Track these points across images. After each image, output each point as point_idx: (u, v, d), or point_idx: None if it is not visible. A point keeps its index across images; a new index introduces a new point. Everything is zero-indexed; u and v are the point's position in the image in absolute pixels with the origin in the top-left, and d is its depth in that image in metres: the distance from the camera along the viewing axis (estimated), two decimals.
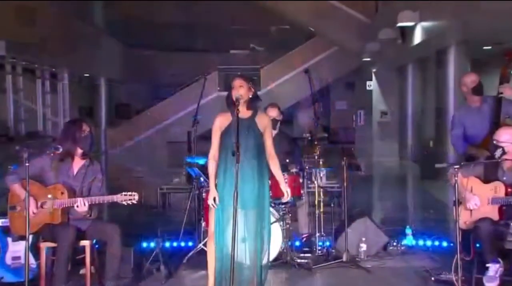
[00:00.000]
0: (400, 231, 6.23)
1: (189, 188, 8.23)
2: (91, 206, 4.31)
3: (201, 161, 5.64)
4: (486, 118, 5.21)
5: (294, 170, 5.56)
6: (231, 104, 4.15)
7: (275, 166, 4.15)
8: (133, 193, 4.26)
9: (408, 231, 6.04)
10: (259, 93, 4.31)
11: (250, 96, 4.15)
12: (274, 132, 5.88)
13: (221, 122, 4.19)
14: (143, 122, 22.53)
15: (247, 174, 4.03)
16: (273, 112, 5.60)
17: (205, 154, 5.63)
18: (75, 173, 4.43)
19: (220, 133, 4.17)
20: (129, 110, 25.10)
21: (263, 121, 4.17)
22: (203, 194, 5.57)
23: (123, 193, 4.25)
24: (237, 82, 4.16)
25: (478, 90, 5.31)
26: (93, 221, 4.45)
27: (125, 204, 4.25)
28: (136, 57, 23.30)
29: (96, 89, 22.52)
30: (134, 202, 4.27)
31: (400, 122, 17.65)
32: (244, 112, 4.15)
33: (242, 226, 3.98)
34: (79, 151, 4.46)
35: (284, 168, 5.57)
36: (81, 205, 4.23)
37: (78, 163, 4.46)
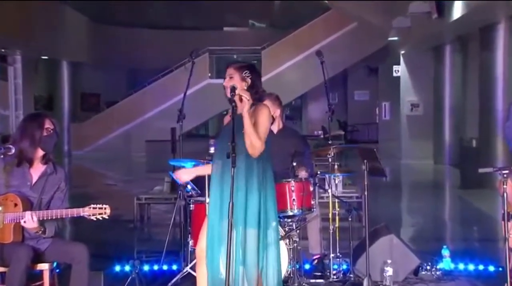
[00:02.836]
0: (435, 251, 6.24)
1: (173, 198, 8.31)
2: (43, 222, 4.30)
3: (188, 164, 5.64)
4: None
5: (303, 176, 5.57)
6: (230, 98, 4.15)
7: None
8: (104, 206, 4.24)
9: (445, 252, 6.04)
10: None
11: (245, 87, 4.16)
12: (276, 128, 5.88)
13: (225, 122, 4.24)
14: (116, 117, 22.57)
15: (249, 183, 4.04)
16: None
17: (193, 156, 5.65)
18: (34, 181, 4.41)
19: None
20: (98, 102, 25.14)
21: (256, 112, 4.15)
22: (191, 206, 5.58)
23: (92, 206, 4.24)
24: (228, 71, 4.21)
25: None
26: (54, 239, 4.44)
27: (94, 219, 4.24)
28: (107, 35, 23.31)
29: (56, 75, 22.54)
30: (106, 216, 4.25)
31: (435, 117, 17.67)
32: (239, 107, 4.14)
33: (240, 246, 3.99)
34: (40, 153, 4.45)
35: (291, 173, 5.57)
36: (29, 220, 4.22)
37: (38, 169, 4.44)
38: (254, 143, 3.97)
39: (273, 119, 5.69)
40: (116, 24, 23.59)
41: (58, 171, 4.49)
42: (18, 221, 4.28)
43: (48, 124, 4.42)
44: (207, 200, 5.04)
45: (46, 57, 21.58)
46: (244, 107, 4.03)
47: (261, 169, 4.09)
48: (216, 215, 4.05)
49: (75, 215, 4.27)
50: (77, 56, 22.49)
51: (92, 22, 23.27)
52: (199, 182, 5.74)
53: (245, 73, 4.17)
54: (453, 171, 15.36)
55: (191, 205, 5.58)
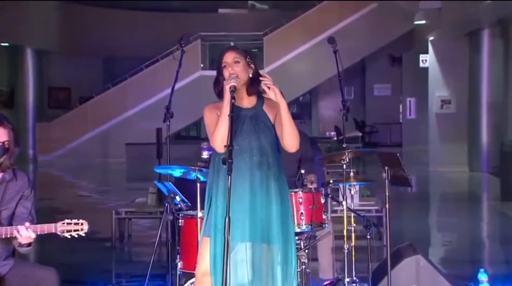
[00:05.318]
0: (471, 276, 6.26)
1: (159, 211, 8.32)
2: (10, 239, 4.30)
3: (177, 172, 5.67)
4: None
5: (312, 185, 5.59)
6: (222, 94, 4.18)
7: None
8: (81, 221, 4.26)
9: (483, 276, 6.05)
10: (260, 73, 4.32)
11: (250, 75, 4.19)
12: None
13: (213, 118, 4.20)
14: (90, 115, 22.58)
15: (256, 190, 4.08)
16: None
17: (183, 161, 5.67)
18: None
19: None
20: (68, 97, 25.14)
21: (274, 107, 4.20)
22: (180, 221, 5.60)
23: (66, 221, 4.25)
24: (229, 55, 4.19)
25: None
26: (18, 262, 4.44)
27: (69, 236, 4.26)
28: (79, 18, 23.30)
29: (19, 65, 22.52)
30: (82, 233, 4.25)
31: (470, 115, 17.67)
32: (243, 100, 4.18)
33: (248, 265, 4.03)
34: None
35: (298, 182, 5.59)
36: (27, 233, 4.23)
37: None
38: (296, 134, 4.17)
39: None
40: (91, 4, 23.59)
41: (19, 176, 4.49)
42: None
43: None
44: (200, 214, 5.08)
45: (6, 44, 21.60)
46: (276, 95, 4.04)
47: (276, 174, 4.15)
48: (220, 230, 4.06)
49: (45, 232, 4.28)
50: (44, 42, 22.49)
51: (62, 1, 23.27)
52: (189, 193, 5.76)
53: (248, 58, 4.20)
54: (492, 179, 15.37)
55: (180, 220, 5.59)
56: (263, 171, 4.11)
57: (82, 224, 4.25)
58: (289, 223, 4.20)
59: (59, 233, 4.24)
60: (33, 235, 4.22)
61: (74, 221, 4.25)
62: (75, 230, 4.24)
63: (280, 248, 4.11)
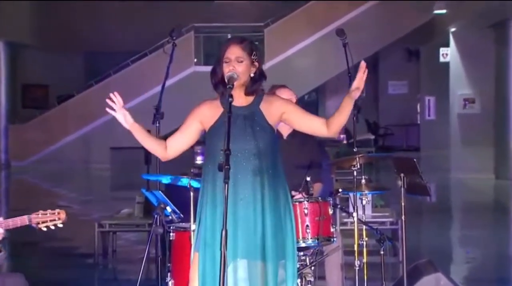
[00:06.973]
0: None
1: (147, 224, 8.34)
2: None
3: (168, 180, 5.68)
4: None
5: (318, 194, 5.60)
6: (219, 86, 4.20)
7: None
8: (57, 210, 4.28)
9: None
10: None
11: (252, 75, 4.20)
12: (287, 131, 5.91)
13: (203, 114, 4.23)
14: (71, 116, 22.58)
15: (248, 199, 4.08)
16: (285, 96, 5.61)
17: (174, 167, 5.68)
18: None
19: (207, 131, 4.23)
20: (46, 96, 25.14)
21: (274, 107, 4.21)
22: (171, 234, 5.61)
23: (41, 212, 4.28)
24: (233, 51, 4.20)
25: None
26: None
27: (45, 228, 4.27)
28: (58, 8, 23.32)
29: None
30: (59, 223, 4.29)
31: (496, 116, 17.67)
32: (240, 98, 4.20)
33: (244, 284, 4.04)
34: None
35: (303, 191, 5.60)
36: None
37: None
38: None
39: None
40: None
41: None
42: None
43: None
44: (193, 227, 5.08)
45: None
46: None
47: (273, 181, 4.15)
48: (211, 245, 4.07)
49: (19, 225, 4.29)
50: (18, 35, 22.47)
51: None
52: (181, 203, 5.77)
53: (254, 55, 4.20)
54: None
55: (170, 234, 5.61)
56: (256, 177, 4.10)
57: (59, 213, 4.28)
58: (285, 236, 4.18)
59: (34, 226, 4.26)
60: (1, 230, 4.24)
61: (49, 211, 4.28)
62: (51, 220, 4.26)
63: (277, 265, 4.11)
